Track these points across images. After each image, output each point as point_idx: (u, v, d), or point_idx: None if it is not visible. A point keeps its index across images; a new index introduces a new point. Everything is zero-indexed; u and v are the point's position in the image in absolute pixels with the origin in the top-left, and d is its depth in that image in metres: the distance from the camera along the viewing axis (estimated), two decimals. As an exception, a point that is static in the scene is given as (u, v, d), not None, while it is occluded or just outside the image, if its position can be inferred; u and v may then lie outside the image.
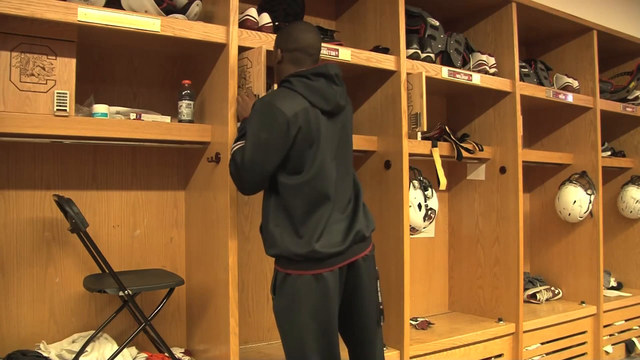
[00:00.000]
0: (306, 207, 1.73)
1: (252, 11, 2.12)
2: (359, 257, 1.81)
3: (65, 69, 1.84)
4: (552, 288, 3.48)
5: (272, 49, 2.02)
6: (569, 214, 3.33)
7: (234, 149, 1.79)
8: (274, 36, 2.12)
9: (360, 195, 1.88)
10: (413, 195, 2.56)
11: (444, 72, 2.65)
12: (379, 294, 1.93)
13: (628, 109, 3.66)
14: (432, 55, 2.62)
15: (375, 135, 2.55)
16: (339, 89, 1.81)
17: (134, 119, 2.00)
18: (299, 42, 1.82)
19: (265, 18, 2.15)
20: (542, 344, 3.05)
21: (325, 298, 1.74)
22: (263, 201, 1.84)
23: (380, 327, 1.93)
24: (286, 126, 1.69)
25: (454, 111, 3.23)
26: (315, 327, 1.73)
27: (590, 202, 3.29)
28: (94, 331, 1.97)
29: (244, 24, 2.09)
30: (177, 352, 2.20)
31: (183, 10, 2.00)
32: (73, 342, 2.03)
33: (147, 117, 2.03)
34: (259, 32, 2.10)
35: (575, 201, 3.29)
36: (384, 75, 2.50)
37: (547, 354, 3.07)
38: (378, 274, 1.93)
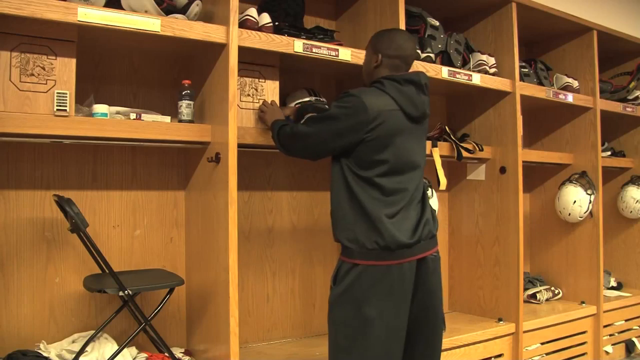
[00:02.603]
0: (376, 200, 1.75)
1: (252, 11, 2.12)
2: (428, 253, 1.81)
3: (65, 69, 1.84)
4: (552, 288, 3.48)
5: (271, 48, 2.08)
6: (569, 214, 3.33)
7: (307, 117, 1.94)
8: (274, 36, 2.13)
9: (427, 199, 1.90)
10: (413, 195, 2.55)
11: (444, 72, 2.65)
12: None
13: (628, 109, 3.66)
14: (432, 55, 2.62)
15: (375, 135, 2.55)
16: (426, 99, 1.88)
17: (134, 119, 2.00)
18: (402, 51, 1.87)
19: (265, 18, 2.15)
20: (542, 344, 3.05)
21: (393, 293, 1.72)
22: (333, 183, 1.85)
23: (442, 335, 1.91)
24: (363, 124, 1.74)
25: (454, 111, 3.23)
26: (378, 324, 1.70)
27: (590, 202, 3.29)
28: (94, 331, 1.97)
29: (244, 24, 2.09)
30: (177, 352, 2.20)
31: (183, 10, 2.00)
32: (73, 342, 2.03)
33: (147, 117, 2.03)
34: (259, 32, 2.10)
35: (575, 201, 3.29)
36: (384, 75, 2.50)
37: (547, 354, 3.07)
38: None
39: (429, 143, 2.68)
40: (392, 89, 1.80)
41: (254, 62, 2.22)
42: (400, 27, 2.45)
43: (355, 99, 1.76)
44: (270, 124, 2.05)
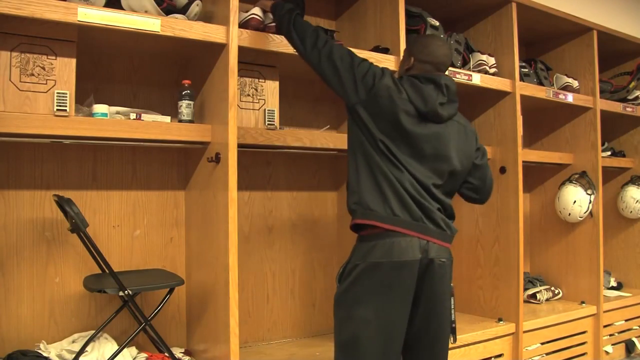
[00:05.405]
0: (387, 175, 1.73)
1: (257, 10, 2.12)
2: (436, 241, 1.74)
3: (65, 69, 1.85)
4: (552, 288, 3.48)
5: (271, 48, 2.07)
6: (569, 214, 3.33)
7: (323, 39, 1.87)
8: (274, 36, 2.13)
9: (450, 212, 1.85)
10: (413, 195, 2.55)
11: (444, 72, 2.65)
12: (453, 310, 1.85)
13: (628, 109, 3.66)
14: (432, 55, 2.62)
15: (375, 135, 2.55)
16: (443, 99, 1.82)
17: (134, 119, 2.00)
18: (434, 57, 1.87)
19: (270, 17, 2.14)
20: (542, 344, 3.05)
21: (391, 291, 1.68)
22: (349, 156, 1.84)
23: (447, 346, 1.87)
24: (373, 80, 1.76)
25: (454, 111, 3.23)
26: (375, 322, 1.68)
27: (590, 202, 3.29)
28: (94, 331, 1.97)
29: (249, 22, 2.08)
30: (177, 352, 2.20)
31: (183, 10, 2.00)
32: (73, 342, 2.03)
33: (147, 117, 2.03)
34: (259, 32, 2.10)
35: (575, 201, 3.29)
36: (384, 75, 2.50)
37: (547, 354, 3.07)
38: (453, 290, 1.86)
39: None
40: (407, 84, 1.79)
41: (254, 62, 2.22)
42: (400, 27, 2.46)
43: (375, 66, 1.81)
44: None
